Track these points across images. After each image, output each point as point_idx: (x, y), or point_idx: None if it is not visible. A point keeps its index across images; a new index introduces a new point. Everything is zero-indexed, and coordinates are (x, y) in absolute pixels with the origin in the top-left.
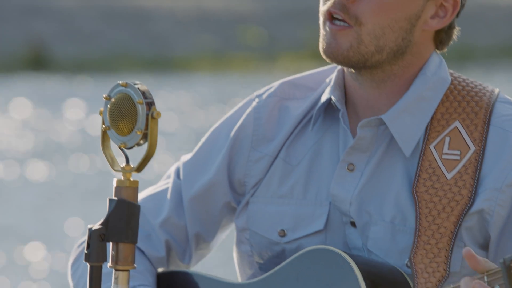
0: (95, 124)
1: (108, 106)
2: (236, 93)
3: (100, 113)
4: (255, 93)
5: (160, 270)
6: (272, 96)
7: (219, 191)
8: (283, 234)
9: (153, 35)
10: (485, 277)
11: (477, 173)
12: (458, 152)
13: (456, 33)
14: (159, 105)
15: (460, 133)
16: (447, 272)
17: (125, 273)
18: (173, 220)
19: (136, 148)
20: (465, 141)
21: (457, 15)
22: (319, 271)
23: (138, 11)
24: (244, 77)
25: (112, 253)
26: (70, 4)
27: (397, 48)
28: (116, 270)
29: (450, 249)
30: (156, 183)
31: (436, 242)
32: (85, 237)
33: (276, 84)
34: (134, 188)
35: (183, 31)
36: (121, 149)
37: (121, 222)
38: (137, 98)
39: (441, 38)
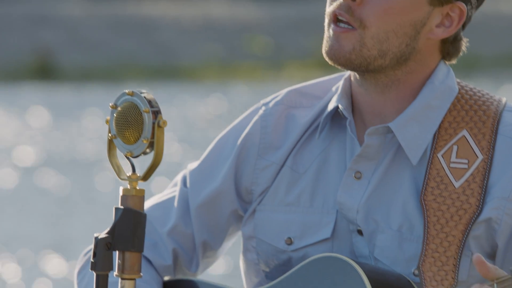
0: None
1: (115, 114)
2: (242, 101)
3: (107, 121)
4: (262, 102)
5: (166, 278)
6: (278, 105)
7: (226, 199)
8: (289, 242)
9: (159, 44)
10: (495, 285)
11: (485, 181)
12: (466, 161)
13: (464, 44)
14: (165, 114)
15: (468, 142)
16: (456, 281)
17: (131, 282)
18: (180, 228)
19: (142, 157)
20: (472, 150)
21: (463, 27)
22: (326, 279)
23: (144, 20)
24: (250, 86)
25: (118, 261)
26: (77, 13)
27: (400, 54)
28: (122, 278)
29: (458, 257)
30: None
31: (444, 251)
32: (92, 246)
33: (282, 92)
34: (140, 196)
35: (190, 40)
36: (128, 158)
37: (127, 230)
38: (143, 107)
39: (447, 49)
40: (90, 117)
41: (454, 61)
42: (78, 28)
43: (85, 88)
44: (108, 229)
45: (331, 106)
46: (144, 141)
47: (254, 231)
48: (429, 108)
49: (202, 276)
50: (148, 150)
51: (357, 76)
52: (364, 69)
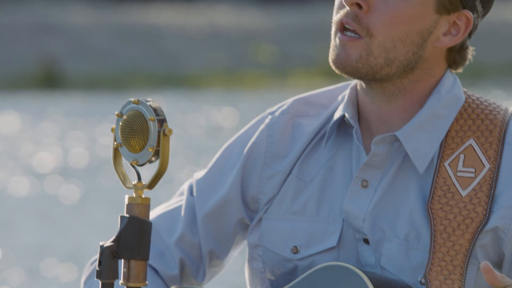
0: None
1: (120, 123)
2: (248, 110)
3: (112, 130)
4: (268, 110)
5: (173, 287)
6: (285, 113)
7: (232, 208)
8: (295, 250)
9: (165, 52)
10: None
11: (492, 191)
12: (473, 170)
13: (470, 53)
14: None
15: (475, 150)
16: None
17: None
18: (187, 237)
19: (148, 165)
20: (479, 159)
21: (469, 36)
22: (332, 287)
23: (150, 29)
24: (256, 94)
25: (123, 270)
26: (82, 21)
27: (407, 62)
28: (127, 287)
29: (465, 266)
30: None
31: (451, 259)
32: (97, 255)
33: (288, 101)
34: (146, 205)
35: (195, 48)
36: (133, 166)
37: (133, 239)
38: (149, 115)
39: (454, 57)
40: (96, 125)
41: (460, 70)
42: (83, 37)
43: (91, 96)
44: (113, 238)
45: (337, 115)
46: (150, 150)
47: (260, 240)
48: (436, 117)
49: (208, 285)
50: (153, 159)
51: (364, 84)
52: (371, 77)
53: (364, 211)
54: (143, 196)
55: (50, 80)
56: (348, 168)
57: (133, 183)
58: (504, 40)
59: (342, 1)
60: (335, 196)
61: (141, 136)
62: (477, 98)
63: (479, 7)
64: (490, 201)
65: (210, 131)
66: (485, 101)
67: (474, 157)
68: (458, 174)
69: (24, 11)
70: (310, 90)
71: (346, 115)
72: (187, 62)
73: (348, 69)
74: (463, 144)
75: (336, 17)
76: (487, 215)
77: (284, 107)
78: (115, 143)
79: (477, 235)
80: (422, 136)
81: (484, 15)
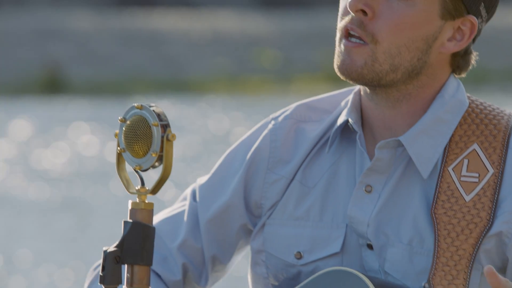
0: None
1: (123, 128)
2: (251, 115)
3: (115, 135)
4: (271, 116)
5: None
6: (288, 119)
7: (235, 213)
8: (299, 256)
9: (168, 57)
10: None
11: (496, 195)
12: (477, 175)
13: (474, 58)
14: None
15: (479, 155)
16: None
17: None
18: (190, 243)
19: (151, 170)
20: (483, 163)
21: (474, 41)
22: None
23: (153, 34)
24: (259, 100)
25: (127, 275)
26: (86, 27)
27: (412, 68)
28: None
29: (469, 271)
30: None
31: (455, 264)
32: (101, 260)
33: (292, 106)
34: (149, 210)
35: (198, 53)
36: (136, 171)
37: (136, 244)
38: (152, 120)
39: (458, 62)
40: (99, 130)
41: (464, 75)
42: (87, 42)
43: (94, 101)
44: (117, 243)
45: (340, 120)
46: (153, 155)
47: (264, 245)
48: (439, 122)
49: None
50: (157, 164)
51: (368, 90)
52: (376, 83)
53: (368, 216)
54: (146, 201)
55: (53, 85)
56: (352, 174)
57: (137, 188)
58: (507, 46)
59: (347, 8)
60: (339, 202)
61: (144, 141)
62: (481, 103)
63: (483, 12)
64: (494, 206)
65: (214, 136)
66: (489, 106)
67: (478, 162)
68: (462, 179)
69: (28, 16)
70: (314, 96)
71: (350, 120)
72: (190, 68)
73: (353, 75)
74: (467, 149)
75: (341, 23)
76: (491, 220)
77: (287, 113)
78: (119, 148)
79: (481, 240)
80: (425, 141)
81: (488, 20)
